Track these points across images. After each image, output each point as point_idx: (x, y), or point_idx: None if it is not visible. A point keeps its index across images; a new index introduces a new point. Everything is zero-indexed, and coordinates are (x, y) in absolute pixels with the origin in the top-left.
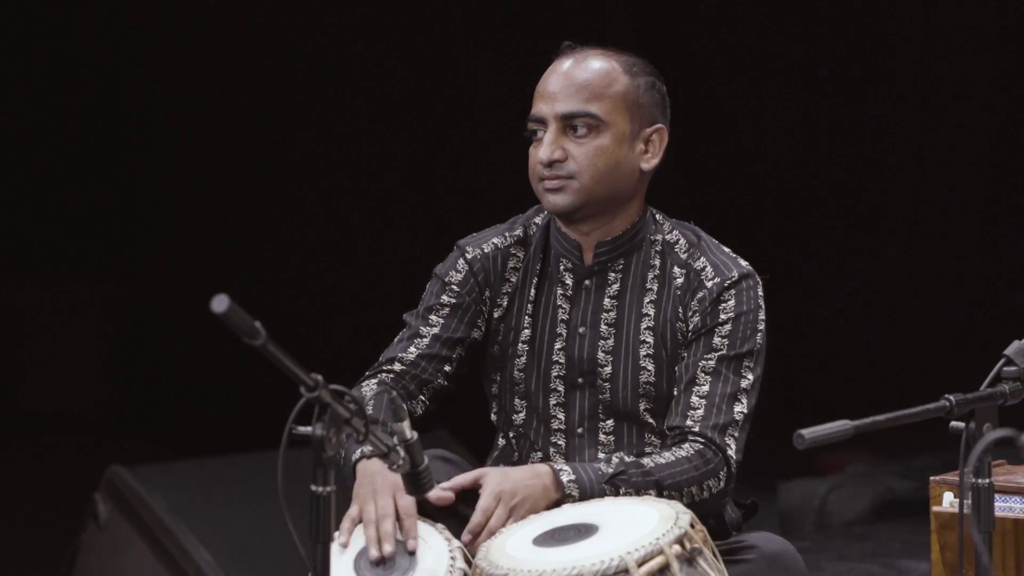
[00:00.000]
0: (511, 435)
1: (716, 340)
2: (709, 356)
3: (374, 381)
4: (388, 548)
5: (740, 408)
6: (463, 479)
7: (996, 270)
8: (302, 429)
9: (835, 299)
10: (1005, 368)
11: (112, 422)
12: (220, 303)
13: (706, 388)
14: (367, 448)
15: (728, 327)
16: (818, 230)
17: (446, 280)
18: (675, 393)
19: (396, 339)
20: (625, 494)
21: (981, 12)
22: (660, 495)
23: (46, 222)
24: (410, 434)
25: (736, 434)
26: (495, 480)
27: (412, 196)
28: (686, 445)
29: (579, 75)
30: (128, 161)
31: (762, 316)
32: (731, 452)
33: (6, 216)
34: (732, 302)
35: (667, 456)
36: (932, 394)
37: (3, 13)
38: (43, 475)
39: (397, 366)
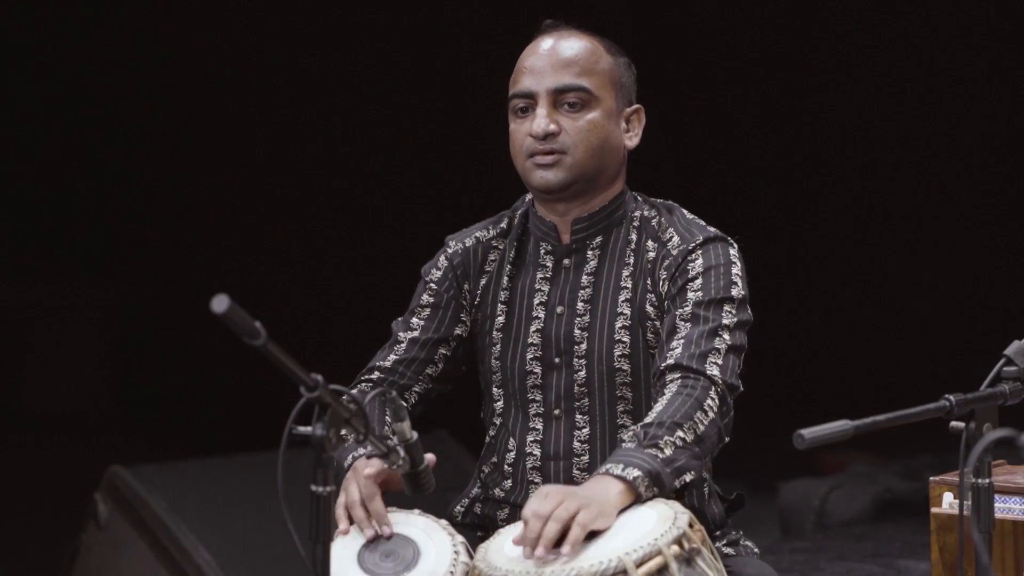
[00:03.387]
0: (493, 428)
1: (689, 293)
2: (685, 305)
3: (355, 392)
4: (370, 532)
5: (721, 340)
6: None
7: (996, 270)
8: (302, 429)
9: (835, 299)
10: (1005, 368)
11: (112, 422)
12: (220, 303)
13: (684, 332)
14: (362, 451)
15: (699, 281)
16: (818, 229)
17: (427, 279)
18: (656, 352)
19: (381, 348)
20: (673, 457)
21: (981, 12)
22: (691, 439)
23: (46, 223)
24: (410, 434)
25: (719, 361)
26: (548, 488)
27: (413, 196)
28: (667, 386)
29: (567, 51)
30: (128, 161)
31: (736, 271)
32: (713, 372)
33: (7, 216)
34: (700, 260)
35: (658, 405)
36: (932, 394)
37: (3, 14)
38: (43, 475)
39: (376, 374)
